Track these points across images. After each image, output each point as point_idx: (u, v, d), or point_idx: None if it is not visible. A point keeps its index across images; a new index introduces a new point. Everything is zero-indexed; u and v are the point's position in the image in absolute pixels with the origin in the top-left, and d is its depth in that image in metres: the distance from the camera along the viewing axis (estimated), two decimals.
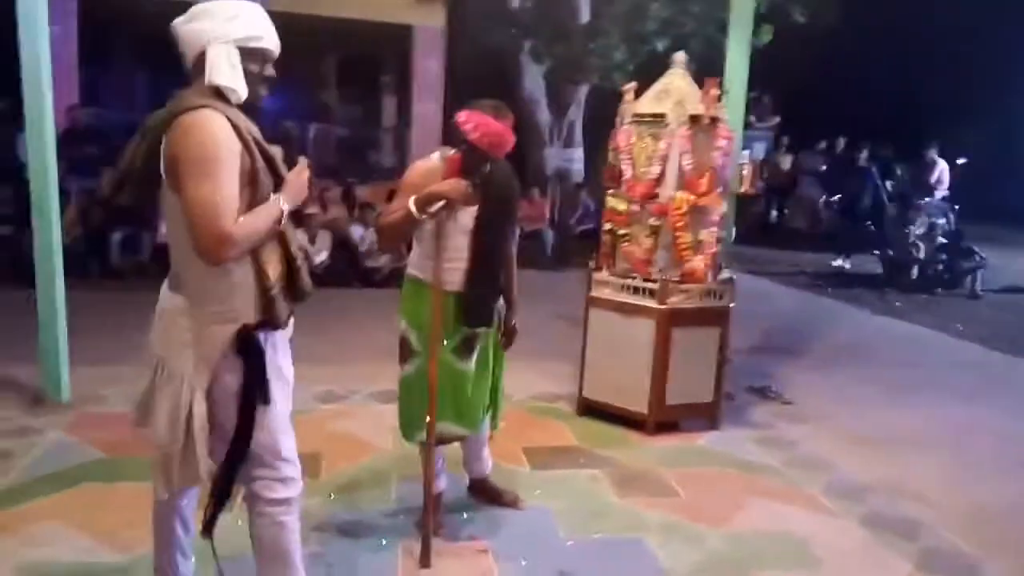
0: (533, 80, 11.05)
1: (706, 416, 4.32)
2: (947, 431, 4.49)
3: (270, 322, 2.07)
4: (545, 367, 5.03)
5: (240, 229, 1.92)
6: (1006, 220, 13.85)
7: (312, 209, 8.37)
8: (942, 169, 11.10)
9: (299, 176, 2.13)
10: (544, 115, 11.21)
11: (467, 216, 2.75)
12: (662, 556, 2.96)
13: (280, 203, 2.04)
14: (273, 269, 2.05)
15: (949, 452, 4.18)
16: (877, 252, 9.83)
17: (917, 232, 9.32)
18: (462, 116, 2.71)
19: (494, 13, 10.63)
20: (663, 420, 4.18)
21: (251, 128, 2.03)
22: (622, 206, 4.22)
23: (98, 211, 7.89)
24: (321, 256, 7.94)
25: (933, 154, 11.26)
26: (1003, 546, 3.21)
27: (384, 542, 2.95)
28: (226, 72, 1.96)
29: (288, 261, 2.10)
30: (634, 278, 4.18)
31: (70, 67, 9.46)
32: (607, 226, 4.33)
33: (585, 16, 10.66)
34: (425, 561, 2.80)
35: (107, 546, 2.83)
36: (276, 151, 2.12)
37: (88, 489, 3.26)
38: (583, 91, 11.23)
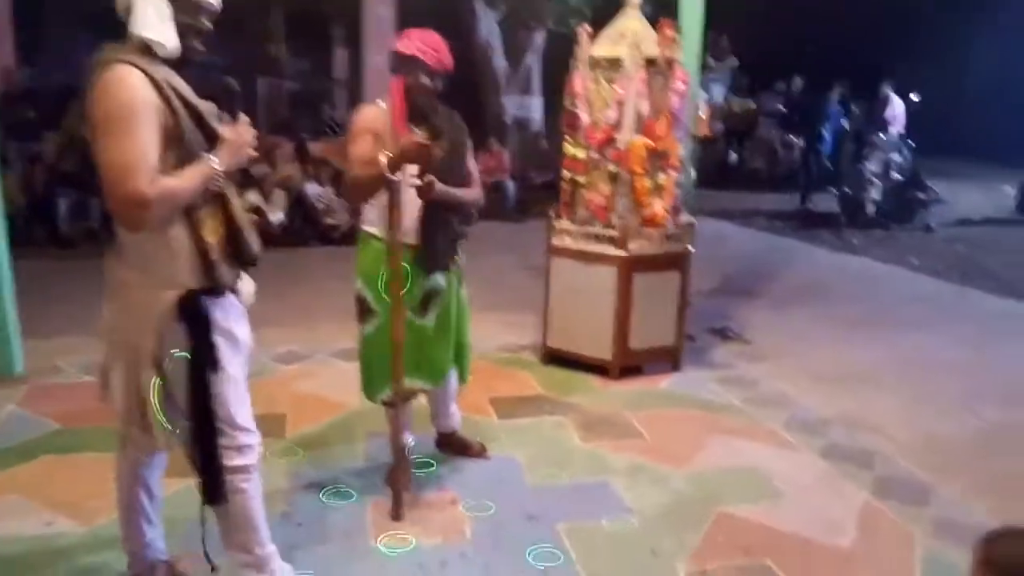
0: (488, 26, 10.83)
1: (668, 359, 4.37)
2: (901, 364, 4.61)
3: (213, 288, 2.01)
4: (509, 318, 5.03)
5: (156, 189, 1.80)
6: (959, 155, 14.09)
7: (262, 168, 8.18)
8: (897, 105, 11.20)
9: (238, 135, 2.03)
10: (500, 62, 11.02)
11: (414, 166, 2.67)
12: (628, 497, 3.02)
13: (212, 163, 1.93)
14: (212, 233, 1.98)
15: (903, 384, 4.30)
16: (834, 190, 9.94)
17: (872, 169, 9.44)
18: (396, 42, 2.71)
19: None
20: (626, 365, 4.23)
21: (175, 83, 1.90)
22: (580, 153, 4.18)
23: (41, 175, 7.61)
24: (278, 216, 7.79)
25: (887, 90, 11.33)
26: (955, 470, 3.33)
27: (354, 498, 2.96)
28: (153, 24, 1.86)
29: (229, 223, 2.02)
30: (594, 225, 4.17)
31: (3, 28, 9.01)
32: (566, 174, 4.29)
33: None
34: (397, 514, 2.82)
35: (69, 517, 2.79)
36: (208, 107, 2.01)
37: (46, 461, 3.20)
38: (540, 37, 11.05)
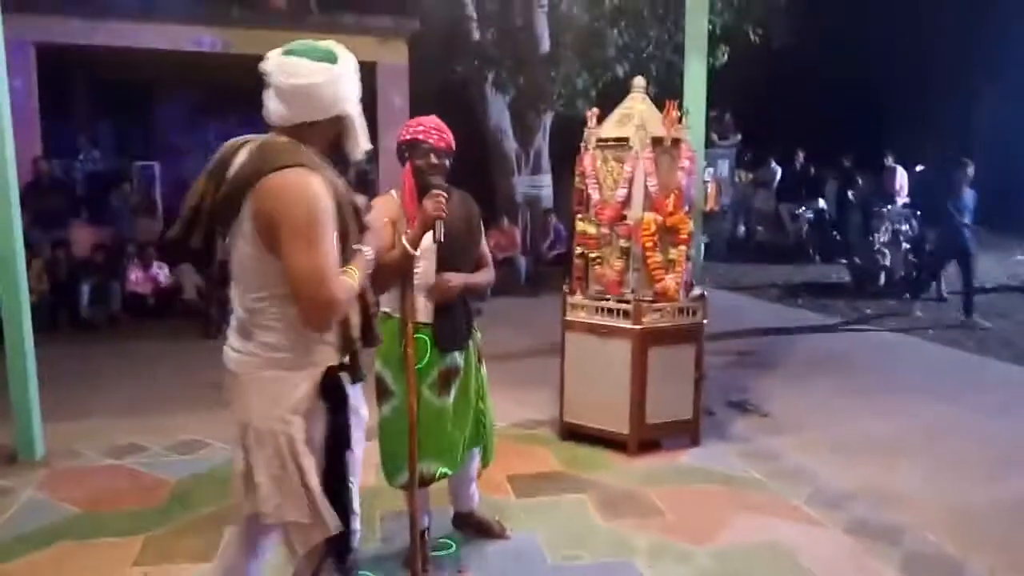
0: (498, 110, 11.18)
1: (687, 433, 4.34)
2: (924, 434, 4.55)
3: (352, 374, 2.05)
4: (525, 394, 5.03)
5: (343, 292, 1.89)
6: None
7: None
8: (902, 176, 11.35)
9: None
10: (511, 144, 11.32)
11: (427, 240, 2.67)
12: None
13: (366, 254, 2.04)
14: (355, 321, 2.03)
15: (927, 455, 4.24)
16: (844, 261, 10.00)
17: (882, 239, 9.51)
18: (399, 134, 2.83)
19: (456, 46, 10.77)
20: (644, 439, 4.20)
21: (338, 183, 1.99)
22: (592, 229, 4.27)
23: (65, 262, 7.79)
24: None
25: (891, 162, 11.52)
26: (985, 544, 3.24)
27: None
28: (364, 143, 2.01)
29: (364, 309, 2.08)
30: (608, 300, 4.22)
31: (31, 119, 9.40)
32: (578, 250, 4.37)
33: (546, 46, 10.83)
34: None
35: None
36: (361, 200, 2.11)
37: (64, 547, 3.18)
38: (548, 119, 11.37)
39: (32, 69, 9.58)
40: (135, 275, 8.05)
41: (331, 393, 1.97)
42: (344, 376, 2.01)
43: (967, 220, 7.80)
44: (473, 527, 3.26)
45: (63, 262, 7.82)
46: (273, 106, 1.95)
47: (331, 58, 1.96)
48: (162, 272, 8.20)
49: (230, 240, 1.97)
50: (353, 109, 2.00)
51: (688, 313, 4.26)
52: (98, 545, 3.18)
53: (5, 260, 4.01)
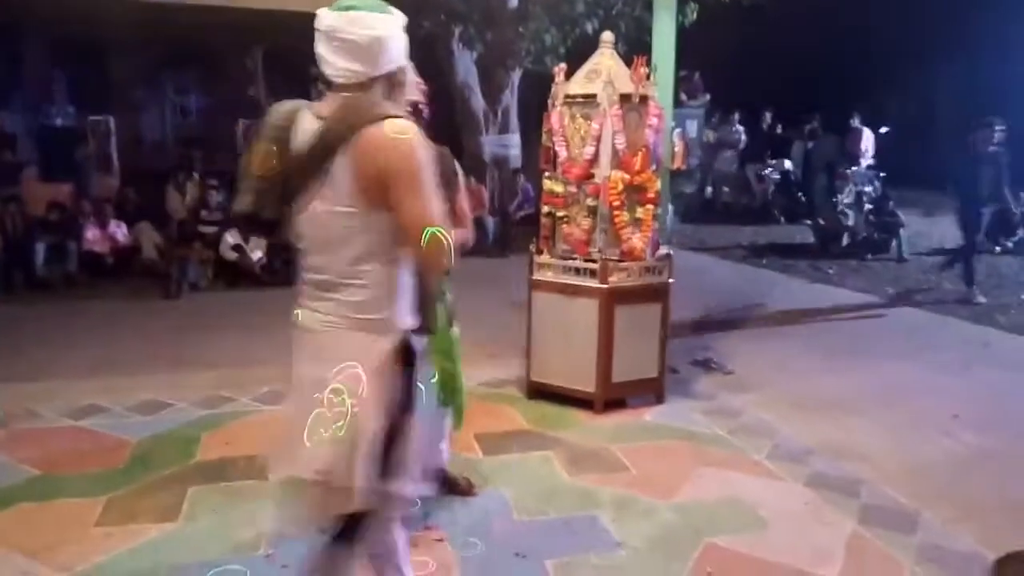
0: (465, 67, 10.97)
1: (652, 391, 4.39)
2: (882, 392, 4.66)
3: (426, 327, 2.05)
4: (493, 353, 5.03)
5: (452, 238, 1.87)
6: (929, 185, 14.36)
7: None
8: (867, 138, 11.46)
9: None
10: (478, 102, 11.15)
11: None
12: (616, 530, 3.01)
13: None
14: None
15: (885, 412, 4.34)
16: (809, 222, 10.11)
17: (845, 200, 9.62)
18: None
19: (423, 1, 10.52)
20: (610, 398, 4.23)
21: None
22: (559, 188, 4.24)
23: (18, 220, 7.56)
24: (256, 255, 7.78)
25: (857, 123, 11.61)
26: (939, 496, 3.35)
27: None
28: (412, 90, 2.02)
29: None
30: (575, 259, 4.21)
31: None
32: (545, 209, 4.34)
33: (514, 1, 10.63)
34: None
35: (46, 565, 2.72)
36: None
37: (23, 508, 3.13)
38: (516, 76, 11.20)
39: None
40: (92, 233, 7.83)
41: (407, 356, 1.96)
42: (416, 339, 2.00)
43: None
44: (442, 485, 3.27)
45: (17, 219, 7.58)
46: (343, 63, 1.88)
47: (388, 9, 1.94)
48: (120, 230, 7.99)
49: (307, 205, 1.89)
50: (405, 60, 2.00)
51: (654, 272, 4.27)
52: (59, 506, 3.14)
53: None
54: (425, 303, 2.05)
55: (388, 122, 1.83)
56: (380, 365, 1.90)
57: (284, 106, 1.98)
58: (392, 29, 1.92)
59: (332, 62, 1.90)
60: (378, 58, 1.90)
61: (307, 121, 1.91)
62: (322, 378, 1.89)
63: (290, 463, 1.93)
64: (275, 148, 1.92)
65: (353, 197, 1.84)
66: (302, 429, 1.89)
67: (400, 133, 1.83)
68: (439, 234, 1.83)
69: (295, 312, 2.00)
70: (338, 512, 1.94)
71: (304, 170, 1.88)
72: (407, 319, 1.97)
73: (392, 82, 1.96)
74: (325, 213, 1.88)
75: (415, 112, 2.72)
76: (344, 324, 1.92)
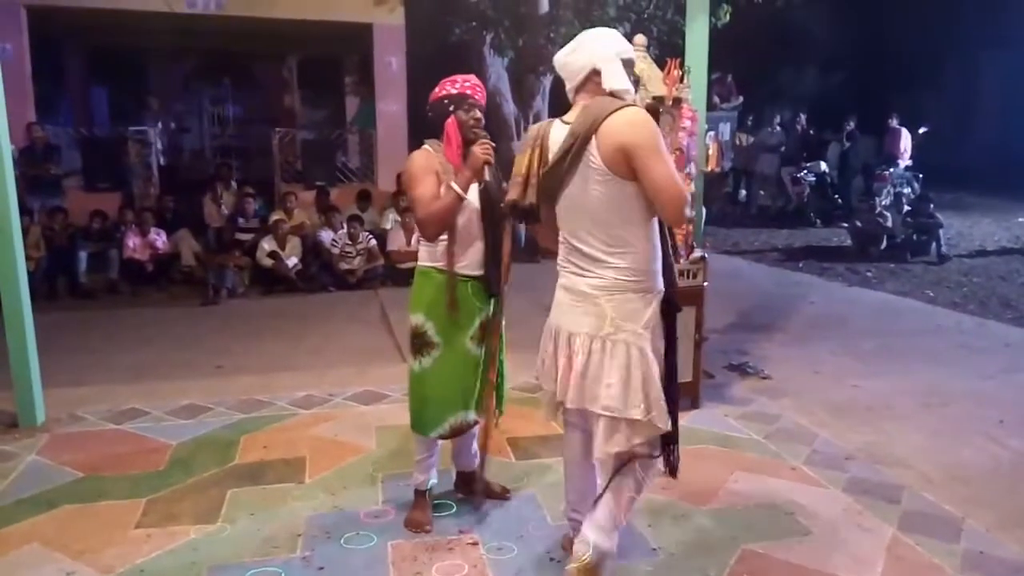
0: (496, 73, 11.01)
1: (687, 395, 4.33)
2: (922, 396, 4.56)
3: (674, 296, 2.48)
4: (526, 358, 4.99)
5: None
6: (969, 185, 14.07)
7: (277, 215, 8.33)
8: (906, 138, 11.25)
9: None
10: (510, 107, 11.18)
11: (472, 194, 2.86)
12: (651, 536, 2.98)
13: None
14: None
15: (926, 416, 4.25)
16: (846, 224, 9.94)
17: (883, 202, 9.45)
18: (432, 95, 2.93)
19: (453, 7, 10.59)
20: None
21: None
22: None
23: (62, 229, 7.75)
24: (292, 260, 7.89)
25: (895, 124, 11.41)
26: (981, 503, 3.26)
27: (374, 542, 2.93)
28: (620, 79, 2.38)
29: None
30: None
31: (24, 84, 9.26)
32: None
33: (545, 6, 10.64)
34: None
35: (88, 566, 2.78)
36: None
37: (67, 511, 3.20)
38: (547, 82, 11.21)
39: (23, 32, 9.41)
40: (133, 241, 8.00)
41: (670, 310, 2.45)
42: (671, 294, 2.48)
43: None
44: (475, 489, 3.27)
45: (61, 229, 7.78)
46: (605, 79, 2.39)
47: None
48: (160, 238, 8.16)
49: (568, 191, 2.38)
50: (607, 60, 2.43)
51: (689, 275, 4.24)
52: (100, 508, 3.20)
53: (1, 227, 3.97)
54: (667, 263, 2.45)
55: (624, 110, 2.30)
56: (651, 319, 2.37)
57: (539, 123, 2.54)
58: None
59: (606, 81, 2.41)
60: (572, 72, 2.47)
61: (557, 130, 2.43)
62: (596, 332, 2.37)
63: (579, 399, 2.41)
64: (534, 153, 2.45)
65: (607, 173, 2.30)
66: (582, 375, 2.39)
67: (636, 114, 2.31)
68: (686, 193, 2.30)
69: (560, 283, 2.55)
70: (621, 443, 2.39)
71: (561, 164, 2.35)
72: (661, 280, 2.42)
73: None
74: (589, 193, 2.34)
75: (476, 119, 2.94)
76: (616, 286, 2.36)
